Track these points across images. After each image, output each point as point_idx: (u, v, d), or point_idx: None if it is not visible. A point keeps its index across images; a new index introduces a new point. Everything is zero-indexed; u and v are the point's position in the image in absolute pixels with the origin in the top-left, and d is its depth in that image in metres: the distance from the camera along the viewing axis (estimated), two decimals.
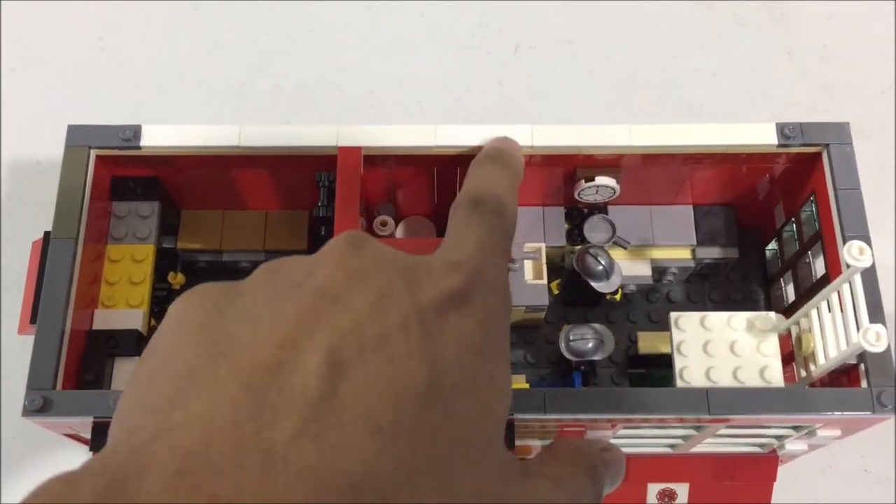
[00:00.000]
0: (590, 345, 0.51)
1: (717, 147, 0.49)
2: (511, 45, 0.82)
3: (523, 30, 0.83)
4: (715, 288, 0.58)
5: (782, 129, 0.49)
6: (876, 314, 0.44)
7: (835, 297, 0.44)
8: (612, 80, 0.81)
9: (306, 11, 0.83)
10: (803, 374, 0.47)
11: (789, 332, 0.49)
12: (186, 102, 0.79)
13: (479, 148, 0.49)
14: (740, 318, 0.46)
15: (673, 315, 0.46)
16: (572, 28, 0.83)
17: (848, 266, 0.41)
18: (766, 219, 0.58)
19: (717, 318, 0.46)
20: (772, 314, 0.47)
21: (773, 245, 0.58)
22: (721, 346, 0.46)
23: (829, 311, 0.45)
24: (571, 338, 0.51)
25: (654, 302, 0.58)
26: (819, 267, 0.52)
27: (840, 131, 0.49)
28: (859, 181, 0.48)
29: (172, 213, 0.55)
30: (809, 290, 0.52)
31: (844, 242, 0.47)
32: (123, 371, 0.48)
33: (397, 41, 0.82)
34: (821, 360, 0.45)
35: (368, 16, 0.83)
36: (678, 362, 0.45)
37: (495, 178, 0.39)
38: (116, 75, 0.80)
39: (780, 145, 0.49)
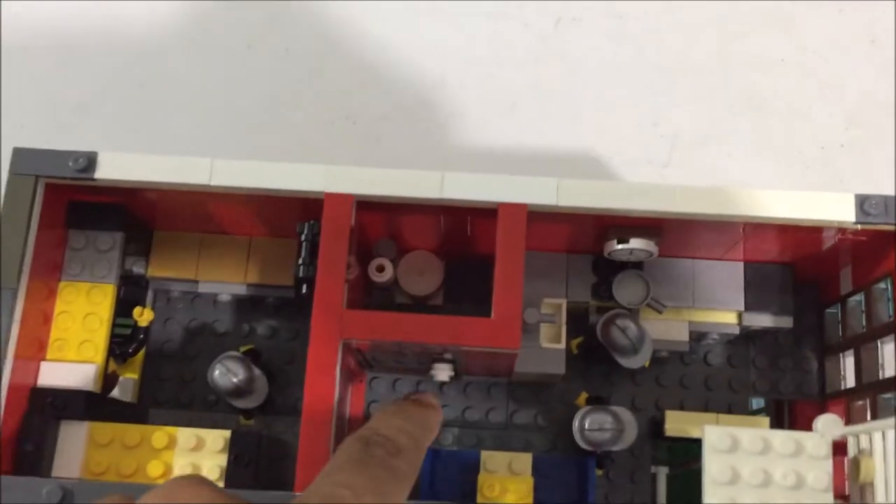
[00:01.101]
0: (608, 435, 0.44)
1: (782, 220, 0.41)
2: (552, 16, 0.72)
3: None
4: (761, 352, 0.51)
5: (862, 202, 0.41)
6: None
7: None
8: (662, 61, 0.71)
9: None
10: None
11: (845, 439, 0.41)
12: (190, 64, 0.70)
13: (490, 205, 0.41)
14: (787, 438, 0.39)
15: (707, 430, 0.39)
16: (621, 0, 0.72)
17: None
18: (829, 277, 0.49)
19: (759, 436, 0.39)
20: (824, 432, 0.39)
21: (833, 308, 0.50)
22: (761, 474, 0.38)
23: None
24: (588, 426, 0.44)
25: (688, 364, 0.51)
26: (888, 357, 0.44)
27: None
28: None
29: (142, 236, 0.48)
30: (874, 385, 0.44)
31: None
32: (70, 437, 0.42)
33: (421, 2, 0.73)
34: (880, 497, 0.37)
35: None
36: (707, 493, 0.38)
37: (396, 422, 0.35)
38: (111, 28, 0.71)
39: (858, 222, 0.41)
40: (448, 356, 0.44)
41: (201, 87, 0.70)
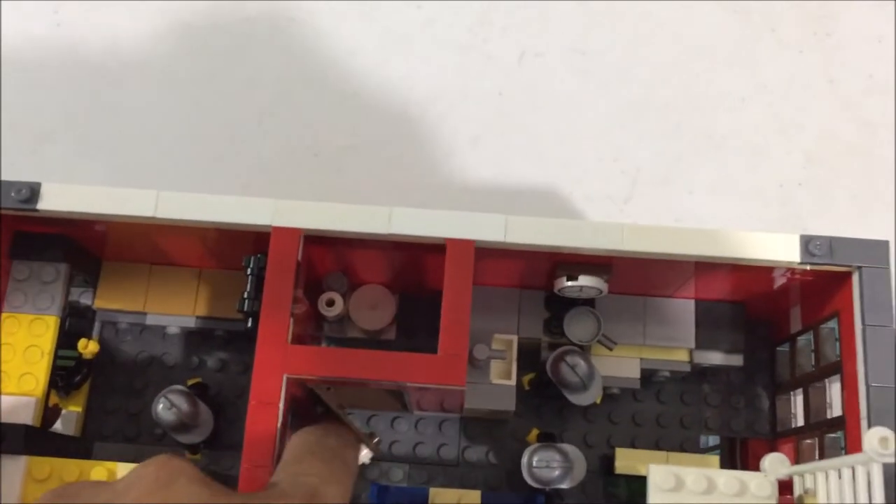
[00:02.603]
0: (556, 473, 0.43)
1: (728, 259, 0.41)
2: (516, 51, 0.73)
3: (531, 33, 0.73)
4: (714, 390, 0.51)
5: (807, 243, 0.41)
6: None
7: (847, 472, 0.36)
8: (625, 98, 0.72)
9: None
10: None
11: (791, 478, 0.41)
12: (153, 93, 0.70)
13: (437, 241, 0.41)
14: (732, 479, 0.39)
15: (652, 469, 0.39)
16: (585, 36, 0.73)
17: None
18: (780, 315, 0.49)
19: (703, 476, 0.39)
20: (770, 471, 0.39)
21: (784, 346, 0.50)
22: None
23: (840, 478, 0.37)
24: (535, 463, 0.43)
25: (640, 401, 0.51)
26: (835, 396, 0.44)
27: (876, 251, 0.41)
28: (893, 315, 0.40)
29: (89, 266, 0.48)
30: (822, 424, 0.44)
31: (868, 388, 0.40)
32: (7, 472, 0.41)
33: (388, 34, 0.73)
34: None
35: (358, 4, 0.73)
36: None
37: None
38: (73, 56, 0.71)
39: (803, 262, 0.41)
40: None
41: (163, 117, 0.70)
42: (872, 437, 0.33)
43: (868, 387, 0.39)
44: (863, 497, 0.35)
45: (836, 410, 0.43)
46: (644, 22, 0.73)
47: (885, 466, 0.34)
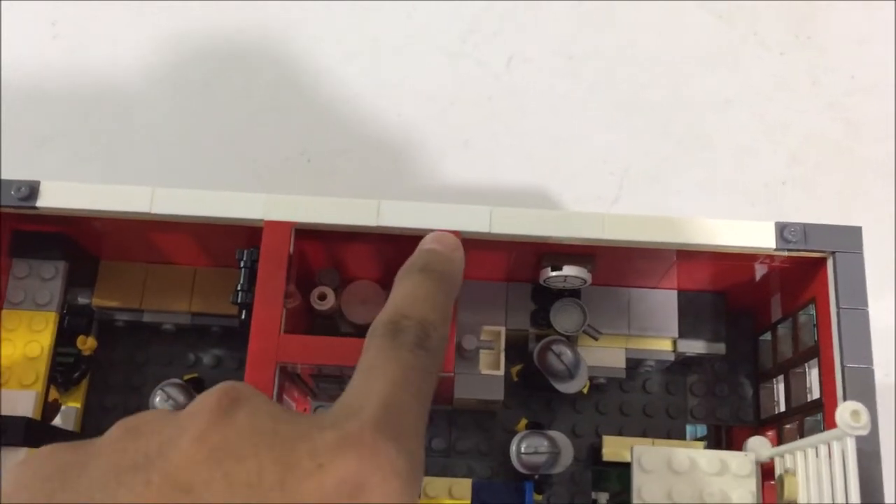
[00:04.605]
0: (544, 458, 0.44)
1: (706, 246, 0.42)
2: (504, 56, 0.74)
3: (519, 39, 0.75)
4: (699, 380, 0.52)
5: (782, 230, 0.42)
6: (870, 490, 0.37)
7: (824, 449, 0.37)
8: (612, 100, 0.73)
9: (282, 5, 0.75)
10: None
11: (773, 462, 0.42)
12: (147, 100, 0.71)
13: (425, 232, 0.42)
14: (713, 458, 0.40)
15: (636, 450, 0.40)
16: (573, 41, 0.75)
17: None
18: (761, 305, 0.51)
19: (686, 456, 0.40)
20: (752, 451, 0.40)
21: (766, 336, 0.51)
22: (688, 493, 0.39)
23: (818, 456, 0.38)
24: (524, 450, 0.45)
25: (627, 391, 0.52)
26: (814, 380, 0.45)
27: (850, 237, 0.42)
28: (866, 298, 0.41)
29: (87, 265, 0.49)
30: (802, 407, 0.45)
31: (843, 369, 0.41)
32: (9, 462, 0.42)
33: (379, 42, 0.74)
34: None
35: (351, 13, 0.75)
36: None
37: (423, 295, 0.33)
38: (71, 65, 0.73)
39: (778, 249, 0.42)
40: None
41: (158, 124, 0.71)
42: (844, 410, 0.34)
43: (843, 367, 0.40)
44: (839, 472, 0.36)
45: (815, 394, 0.44)
46: (629, 26, 0.75)
47: (858, 440, 0.35)
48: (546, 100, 0.73)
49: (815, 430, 0.44)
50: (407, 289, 0.33)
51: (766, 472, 0.43)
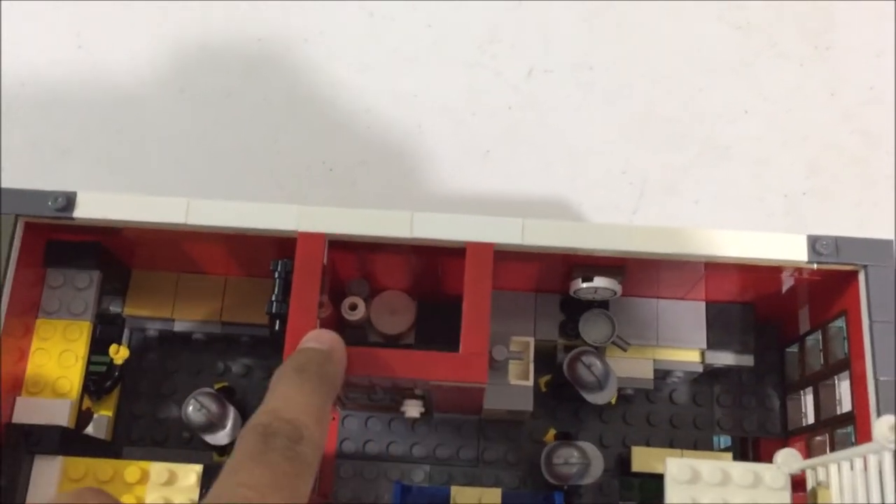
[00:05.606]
0: (574, 469, 0.45)
1: (738, 259, 0.43)
2: (524, 67, 0.75)
3: (539, 51, 0.75)
4: (725, 390, 0.52)
5: (814, 243, 0.42)
6: None
7: (859, 462, 0.38)
8: (631, 111, 0.74)
9: (302, 17, 0.75)
10: None
11: (803, 474, 0.42)
12: (171, 110, 0.72)
13: (458, 244, 0.42)
14: (746, 470, 0.40)
15: (669, 462, 0.40)
16: (592, 52, 0.75)
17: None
18: (788, 317, 0.51)
19: (718, 468, 0.40)
20: (783, 465, 0.40)
21: (793, 347, 0.51)
22: None
23: (852, 469, 0.38)
24: (554, 461, 0.45)
25: (654, 402, 0.52)
26: (845, 393, 0.46)
27: (881, 250, 0.42)
28: None
29: (120, 275, 0.49)
30: (832, 421, 0.45)
31: (876, 382, 0.41)
32: (43, 472, 0.43)
33: (398, 53, 0.75)
34: None
35: (369, 24, 0.76)
36: None
37: (296, 397, 0.33)
38: (94, 75, 0.73)
39: (810, 262, 0.42)
40: (419, 392, 0.45)
41: (180, 134, 0.72)
42: (882, 424, 0.34)
43: (876, 381, 0.40)
44: (875, 486, 0.37)
45: (846, 407, 0.45)
46: (649, 37, 0.75)
47: None
48: (566, 110, 0.74)
49: (846, 442, 0.44)
50: (281, 391, 0.34)
51: (794, 483, 0.43)
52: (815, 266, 0.43)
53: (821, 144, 0.73)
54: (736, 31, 0.76)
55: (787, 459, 0.42)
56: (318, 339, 0.38)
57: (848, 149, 0.73)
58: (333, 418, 0.52)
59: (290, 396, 0.33)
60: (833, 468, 0.39)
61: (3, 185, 0.44)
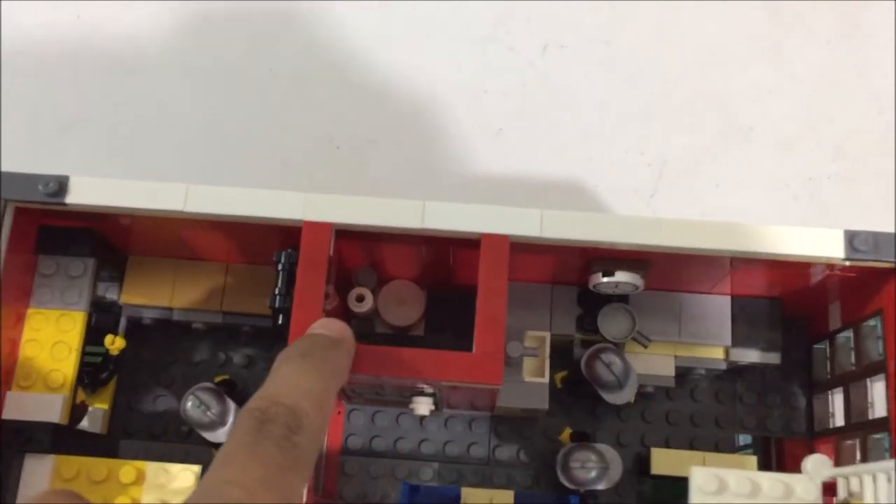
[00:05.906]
0: (592, 474, 0.43)
1: (771, 255, 0.40)
2: (539, 43, 0.72)
3: (555, 26, 0.72)
4: (749, 388, 0.50)
5: (852, 238, 0.40)
6: None
7: None
8: (651, 89, 0.71)
9: None
10: None
11: (834, 481, 0.40)
12: (174, 84, 0.69)
13: (472, 235, 0.40)
14: (776, 481, 0.38)
15: (694, 472, 0.38)
16: (610, 27, 0.72)
17: None
18: (816, 313, 0.48)
19: (746, 478, 0.38)
20: (813, 473, 0.38)
21: (822, 344, 0.49)
22: None
23: (889, 482, 0.36)
24: (571, 464, 0.43)
25: (674, 399, 0.50)
26: (878, 396, 0.43)
27: None
28: None
29: (115, 261, 0.47)
30: (864, 425, 0.43)
31: None
32: (35, 471, 0.41)
33: (410, 27, 0.72)
34: None
35: None
36: None
37: (299, 382, 0.30)
38: (91, 45, 0.70)
39: (847, 258, 0.40)
40: (428, 389, 0.43)
41: (185, 110, 0.69)
42: None
43: None
44: None
45: (879, 411, 0.42)
46: (670, 13, 0.72)
47: None
48: (582, 88, 0.71)
49: (880, 449, 0.42)
50: (283, 374, 0.31)
51: (824, 488, 0.41)
52: (849, 263, 0.40)
53: (848, 126, 0.70)
54: (763, 9, 0.73)
55: (818, 467, 0.40)
56: (327, 327, 0.36)
57: (876, 131, 0.70)
58: (339, 412, 0.50)
59: (291, 381, 0.30)
60: (867, 479, 0.37)
61: (3, 167, 0.41)
